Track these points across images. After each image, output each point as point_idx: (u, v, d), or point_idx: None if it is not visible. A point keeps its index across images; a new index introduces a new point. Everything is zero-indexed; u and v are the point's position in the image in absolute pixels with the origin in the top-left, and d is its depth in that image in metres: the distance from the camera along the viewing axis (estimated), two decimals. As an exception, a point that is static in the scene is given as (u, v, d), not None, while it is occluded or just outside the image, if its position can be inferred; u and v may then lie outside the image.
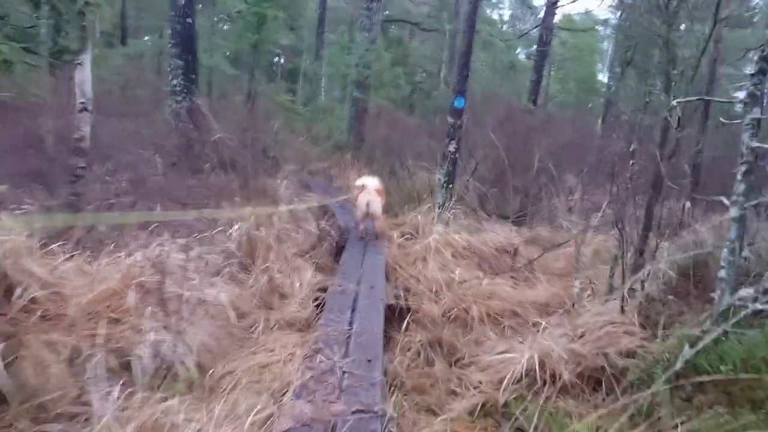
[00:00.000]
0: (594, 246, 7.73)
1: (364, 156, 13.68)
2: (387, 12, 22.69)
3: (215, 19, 16.77)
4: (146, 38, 28.10)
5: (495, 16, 42.97)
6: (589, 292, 5.48)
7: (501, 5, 49.36)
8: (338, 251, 7.23)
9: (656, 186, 5.20)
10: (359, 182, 7.75)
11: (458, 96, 7.31)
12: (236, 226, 5.91)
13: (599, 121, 22.16)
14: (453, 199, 7.64)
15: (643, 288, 4.91)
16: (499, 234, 8.23)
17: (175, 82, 10.84)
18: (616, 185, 5.55)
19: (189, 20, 10.77)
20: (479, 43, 35.04)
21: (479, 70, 31.96)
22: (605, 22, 29.08)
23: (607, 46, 35.75)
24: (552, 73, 30.58)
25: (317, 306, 5.32)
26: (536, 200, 10.26)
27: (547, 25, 18.37)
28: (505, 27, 42.69)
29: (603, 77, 32.20)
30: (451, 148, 7.36)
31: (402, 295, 5.60)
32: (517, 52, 37.34)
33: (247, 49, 13.87)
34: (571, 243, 7.31)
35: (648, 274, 4.93)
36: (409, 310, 5.45)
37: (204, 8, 18.23)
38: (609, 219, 9.59)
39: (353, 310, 4.88)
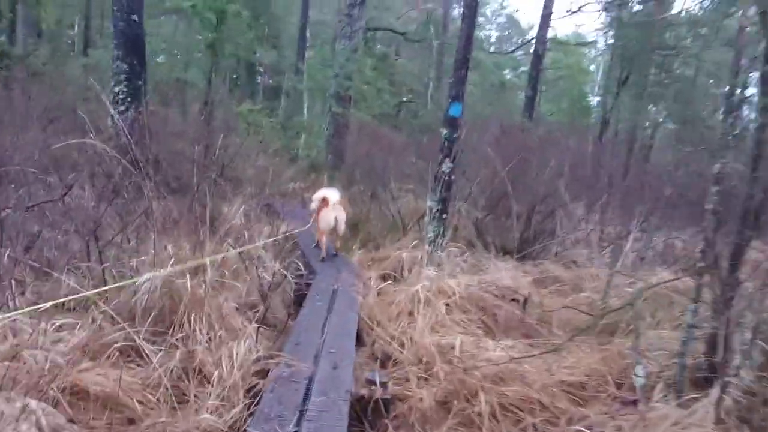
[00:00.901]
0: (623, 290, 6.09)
1: (343, 176, 11.96)
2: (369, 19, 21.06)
3: (162, 18, 15.05)
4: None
5: (482, 36, 41.81)
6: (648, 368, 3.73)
7: (488, 26, 48.45)
8: (297, 300, 5.48)
9: (749, 217, 3.50)
10: (319, 195, 7.27)
11: (454, 102, 5.64)
12: (146, 277, 4.13)
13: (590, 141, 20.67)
14: (447, 233, 5.91)
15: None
16: (502, 274, 6.52)
17: (117, 89, 9.11)
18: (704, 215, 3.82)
19: (134, 17, 9.07)
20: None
21: (468, 91, 30.57)
22: (594, 43, 27.86)
23: (594, 67, 34.60)
24: (542, 92, 29.17)
25: (254, 395, 3.56)
26: (542, 230, 8.58)
27: (541, 38, 16.88)
28: (492, 48, 41.57)
29: (592, 97, 30.91)
30: (446, 167, 5.66)
31: (379, 376, 3.82)
32: (505, 72, 36.10)
33: (201, 52, 12.10)
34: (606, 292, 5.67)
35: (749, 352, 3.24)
36: (388, 402, 3.68)
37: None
38: (644, 255, 8.05)
39: (302, 414, 3.13)
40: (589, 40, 30.97)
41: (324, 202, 7.01)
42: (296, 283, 5.71)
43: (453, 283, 5.45)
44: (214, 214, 8.27)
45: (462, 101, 5.66)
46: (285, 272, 5.35)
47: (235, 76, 40.53)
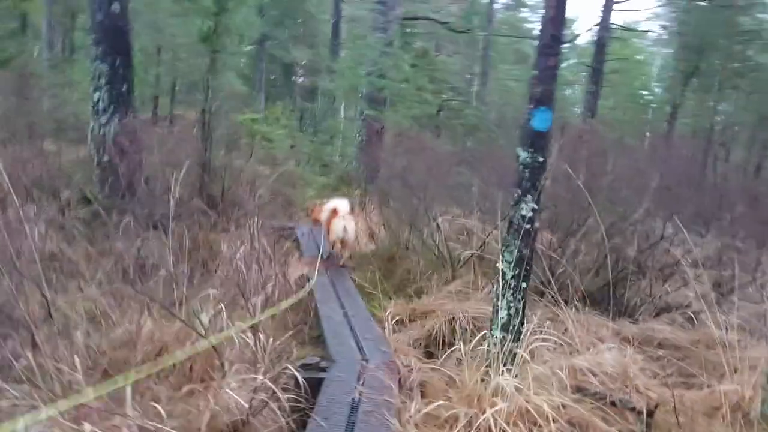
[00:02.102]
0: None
1: (376, 193, 9.91)
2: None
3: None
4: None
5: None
6: None
7: (532, 18, 45.60)
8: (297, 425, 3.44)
9: None
10: (329, 205, 7.32)
11: (539, 108, 3.49)
12: None
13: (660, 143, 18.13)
14: (525, 321, 3.75)
15: None
16: (603, 356, 4.40)
17: (97, 95, 7.23)
18: None
19: (115, 7, 7.16)
20: (511, 55, 31.30)
21: (512, 87, 28.17)
22: (658, 30, 25.18)
23: (651, 59, 31.68)
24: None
25: None
26: (639, 270, 6.38)
27: (605, 25, 14.48)
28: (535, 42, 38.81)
29: (648, 91, 28.12)
30: (526, 209, 3.51)
31: None
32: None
33: (193, 46, 10.11)
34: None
35: None
36: None
37: None
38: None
39: None
40: (643, 28, 28.33)
41: (334, 212, 7.00)
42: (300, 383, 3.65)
43: (542, 402, 3.32)
44: (203, 257, 6.38)
45: (552, 107, 3.53)
46: (274, 386, 3.28)
47: (273, 77, 39.14)
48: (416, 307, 6.05)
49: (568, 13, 3.73)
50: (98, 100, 7.21)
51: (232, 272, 5.51)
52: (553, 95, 3.61)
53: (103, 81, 7.18)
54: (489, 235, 6.99)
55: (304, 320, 5.89)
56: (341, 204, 7.10)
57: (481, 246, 7.08)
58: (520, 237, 3.57)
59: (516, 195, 3.61)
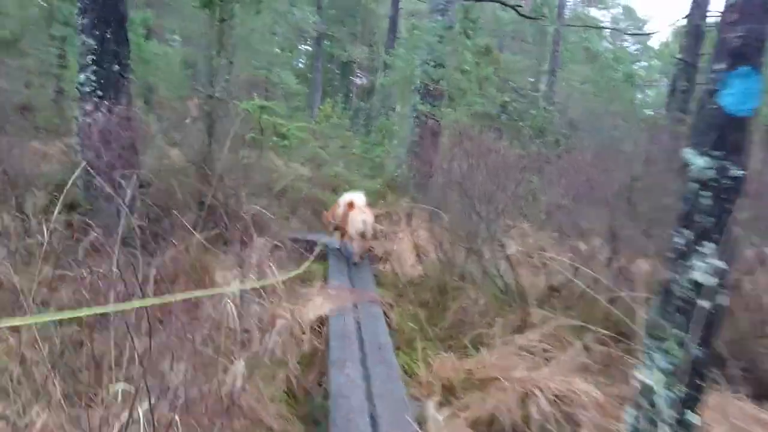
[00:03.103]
0: None
1: (428, 203, 8.15)
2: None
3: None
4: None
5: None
6: None
7: (602, 18, 42.75)
8: None
9: None
10: (345, 199, 6.89)
11: (740, 69, 1.72)
12: None
13: None
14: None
15: None
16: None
17: (83, 77, 5.76)
18: None
19: (106, -35, 5.69)
20: (580, 55, 28.87)
21: (581, 89, 25.82)
22: None
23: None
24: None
25: None
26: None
27: (701, 14, 12.26)
28: (605, 42, 36.22)
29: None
30: (704, 272, 1.74)
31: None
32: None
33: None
34: None
35: None
36: None
37: None
38: None
39: None
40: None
41: (350, 206, 6.65)
42: None
43: None
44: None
45: (761, 67, 1.76)
46: None
47: (330, 76, 37.88)
48: (473, 369, 4.32)
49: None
50: (83, 83, 5.74)
51: (216, 318, 3.88)
52: (761, 51, 1.79)
53: (89, 59, 5.70)
54: (577, 269, 5.17)
55: (317, 380, 4.26)
56: (357, 197, 6.72)
57: (554, 289, 5.30)
58: (689, 322, 1.76)
59: (680, 239, 1.81)
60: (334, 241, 7.78)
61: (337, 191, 11.34)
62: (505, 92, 21.44)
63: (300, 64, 39.08)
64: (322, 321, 4.74)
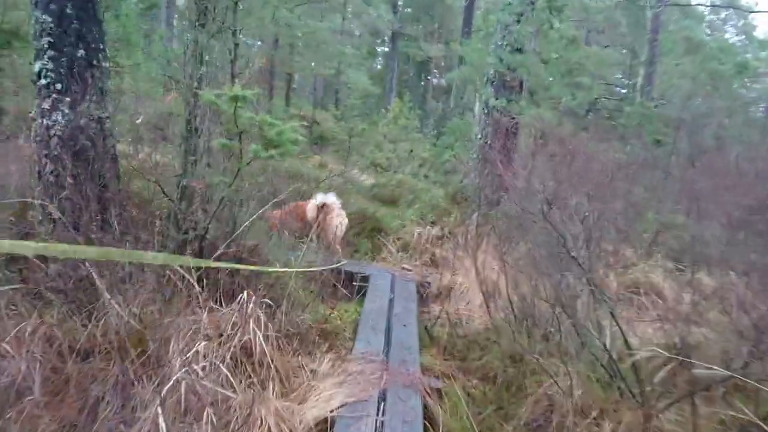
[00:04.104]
0: None
1: (501, 225, 6.29)
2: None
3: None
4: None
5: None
6: None
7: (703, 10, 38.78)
8: None
9: None
10: (316, 201, 6.24)
11: None
12: None
13: None
14: None
15: None
16: None
17: (39, 65, 4.33)
18: None
19: None
20: (679, 45, 25.76)
21: (681, 85, 22.86)
22: None
23: None
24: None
25: None
26: None
27: None
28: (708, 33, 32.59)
29: None
30: None
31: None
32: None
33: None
34: None
35: None
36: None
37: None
38: None
39: None
40: None
41: (325, 208, 6.12)
42: None
43: None
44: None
45: None
46: None
47: (406, 78, 36.31)
48: None
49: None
50: (39, 73, 4.31)
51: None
52: None
53: (45, 42, 4.27)
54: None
55: None
56: (330, 198, 6.24)
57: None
58: None
59: None
60: (383, 271, 6.09)
61: (397, 203, 9.66)
62: (593, 87, 19.00)
63: (378, 66, 37.82)
64: (327, 425, 3.04)
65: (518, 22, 7.38)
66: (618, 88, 21.65)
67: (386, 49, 35.16)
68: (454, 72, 12.19)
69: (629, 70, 22.19)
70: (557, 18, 8.69)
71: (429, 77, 34.59)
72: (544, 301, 4.15)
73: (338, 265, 5.04)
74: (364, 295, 5.36)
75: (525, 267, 5.11)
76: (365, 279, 5.67)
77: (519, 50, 7.49)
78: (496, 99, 7.55)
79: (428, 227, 7.16)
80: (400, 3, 32.63)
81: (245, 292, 3.37)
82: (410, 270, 6.30)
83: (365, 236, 7.42)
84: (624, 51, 26.26)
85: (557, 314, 4.02)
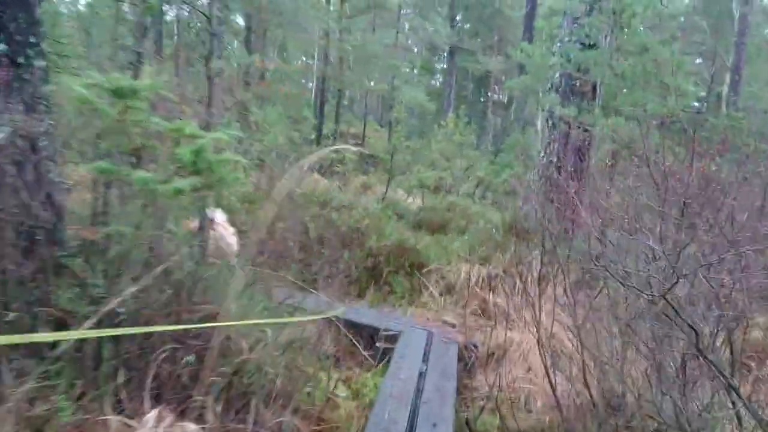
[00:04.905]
0: None
1: (572, 267, 4.81)
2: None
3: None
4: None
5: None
6: None
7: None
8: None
9: None
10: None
11: None
12: None
13: None
14: None
15: None
16: None
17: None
18: None
19: None
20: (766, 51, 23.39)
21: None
22: None
23: None
24: None
25: None
26: None
27: None
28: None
29: None
30: None
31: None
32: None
33: None
34: None
35: None
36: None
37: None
38: None
39: None
40: None
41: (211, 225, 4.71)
42: None
43: None
44: None
45: None
46: None
47: (465, 93, 34.91)
48: None
49: None
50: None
51: None
52: None
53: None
54: None
55: None
56: (217, 214, 5.26)
57: None
58: None
59: None
60: (417, 327, 4.74)
61: (447, 231, 8.28)
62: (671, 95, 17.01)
63: (436, 82, 36.65)
64: None
65: (591, 10, 5.94)
66: (714, 95, 19.59)
67: (444, 66, 33.99)
68: (512, 81, 10.75)
69: (710, 78, 20.09)
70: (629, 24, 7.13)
71: (488, 92, 33.04)
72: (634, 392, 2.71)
73: (331, 313, 3.68)
74: (389, 360, 4.03)
75: (608, 327, 3.69)
76: (392, 339, 4.33)
77: (591, 46, 6.03)
78: (564, 108, 6.10)
79: (478, 265, 5.75)
80: (458, 17, 31.42)
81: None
82: (453, 325, 4.91)
83: (403, 274, 6.08)
84: (698, 60, 24.09)
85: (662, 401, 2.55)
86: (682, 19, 22.27)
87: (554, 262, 5.45)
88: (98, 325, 2.15)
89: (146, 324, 2.35)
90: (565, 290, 5.20)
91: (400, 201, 9.29)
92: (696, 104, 19.57)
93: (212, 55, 3.39)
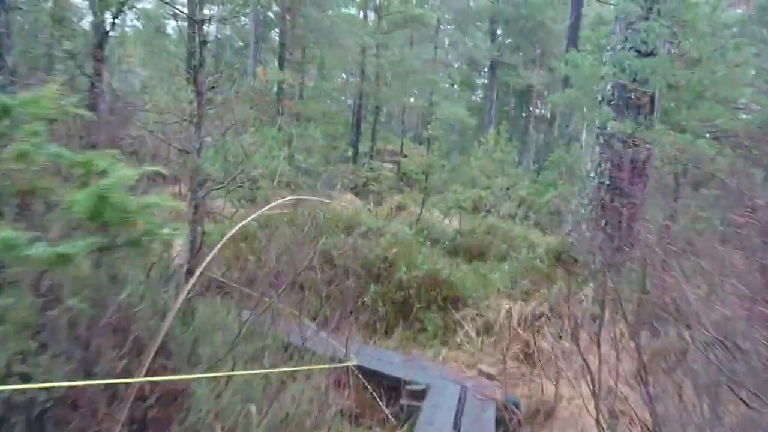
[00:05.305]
0: None
1: (631, 303, 4.07)
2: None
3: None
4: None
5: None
6: None
7: None
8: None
9: None
10: None
11: None
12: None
13: None
14: None
15: None
16: None
17: None
18: None
19: None
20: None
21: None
22: None
23: None
24: None
25: None
26: None
27: None
28: None
29: None
30: None
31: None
32: None
33: None
34: None
35: None
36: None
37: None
38: None
39: None
40: None
41: None
42: None
43: None
44: None
45: None
46: None
47: (506, 108, 34.03)
48: None
49: None
50: None
51: None
52: None
53: None
54: None
55: None
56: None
57: None
58: None
59: None
60: (448, 381, 4.08)
61: (486, 257, 7.58)
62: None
63: (477, 98, 35.93)
64: None
65: (648, 12, 5.22)
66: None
67: (485, 81, 33.27)
68: (556, 95, 10.02)
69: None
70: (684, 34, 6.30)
71: (530, 107, 32.11)
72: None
73: (349, 363, 3.06)
74: (414, 423, 3.38)
75: (681, 382, 3.01)
76: (419, 395, 3.68)
77: (649, 54, 5.31)
78: (618, 121, 5.36)
79: (520, 302, 5.05)
80: (498, 31, 30.72)
81: None
82: (491, 376, 4.22)
83: (436, 309, 5.42)
84: (753, 72, 22.70)
85: None
86: (734, 29, 21.06)
87: (610, 299, 4.73)
88: None
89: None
90: (624, 334, 4.50)
91: (436, 223, 8.63)
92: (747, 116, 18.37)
93: (202, 66, 2.86)
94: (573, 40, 15.65)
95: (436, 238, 7.87)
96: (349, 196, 11.43)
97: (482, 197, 12.00)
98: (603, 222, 5.36)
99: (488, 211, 11.74)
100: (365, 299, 5.33)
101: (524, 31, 29.76)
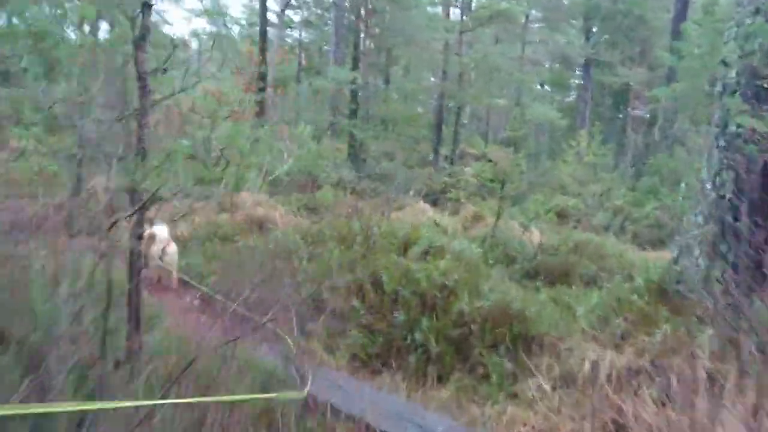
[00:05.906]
0: None
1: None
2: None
3: None
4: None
5: None
6: None
7: None
8: None
9: None
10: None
11: None
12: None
13: None
14: None
15: None
16: None
17: None
18: None
19: None
20: None
21: None
22: None
23: None
24: None
25: None
26: None
27: None
28: None
29: None
30: None
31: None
32: None
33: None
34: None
35: None
36: None
37: None
38: None
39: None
40: None
41: (151, 239, 5.30)
42: None
43: None
44: None
45: None
46: None
47: (601, 109, 31.83)
48: None
49: None
50: None
51: None
52: None
53: None
54: None
55: None
56: (159, 229, 5.40)
57: None
58: None
59: None
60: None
61: (570, 279, 6.41)
62: None
63: (570, 98, 34.16)
64: None
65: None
66: None
67: (578, 81, 31.38)
68: (660, 89, 8.59)
69: None
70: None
71: (628, 107, 29.82)
72: None
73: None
74: None
75: None
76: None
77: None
78: (742, 115, 4.07)
79: (612, 350, 3.89)
80: (593, 28, 28.73)
81: None
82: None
83: (504, 350, 4.36)
84: None
85: None
86: None
87: (737, 355, 3.53)
88: None
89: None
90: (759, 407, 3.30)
91: (513, 238, 7.49)
92: None
93: (144, 39, 2.02)
94: (677, 33, 13.88)
95: (513, 256, 6.76)
96: (421, 204, 10.48)
97: (570, 206, 10.69)
98: (725, 248, 4.09)
99: (578, 221, 10.42)
100: (415, 336, 4.37)
101: (622, 26, 27.63)
